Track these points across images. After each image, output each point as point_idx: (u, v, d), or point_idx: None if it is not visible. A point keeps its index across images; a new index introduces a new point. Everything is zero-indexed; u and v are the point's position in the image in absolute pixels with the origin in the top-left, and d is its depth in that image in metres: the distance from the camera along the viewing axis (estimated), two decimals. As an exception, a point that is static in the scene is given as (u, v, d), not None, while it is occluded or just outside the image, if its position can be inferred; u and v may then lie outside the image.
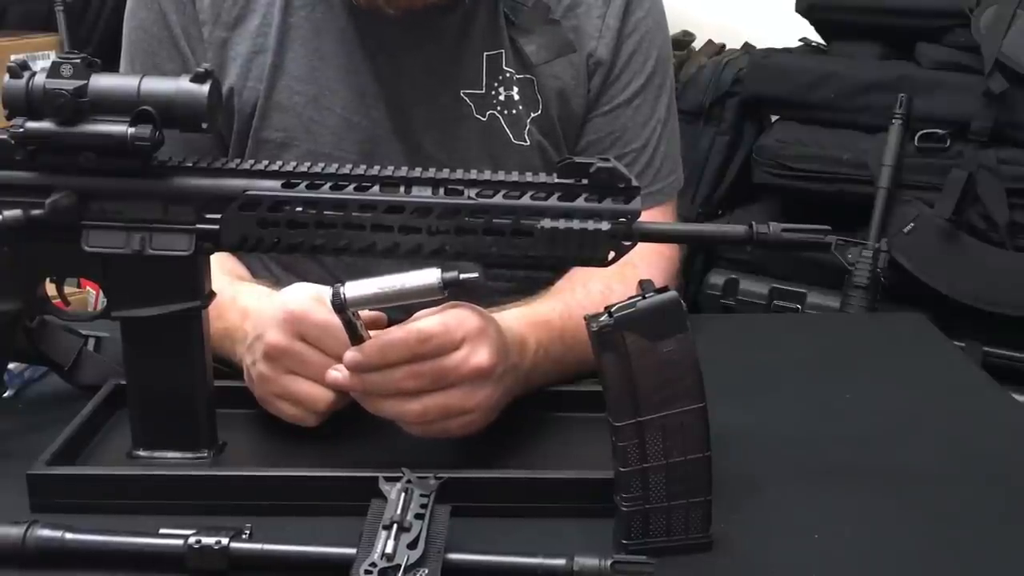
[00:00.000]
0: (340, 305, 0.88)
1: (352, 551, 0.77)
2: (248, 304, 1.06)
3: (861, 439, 1.05)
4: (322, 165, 0.92)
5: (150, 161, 0.91)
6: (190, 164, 0.92)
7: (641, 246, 0.92)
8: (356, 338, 0.90)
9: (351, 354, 0.90)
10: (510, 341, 0.98)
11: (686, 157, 1.41)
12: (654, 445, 0.83)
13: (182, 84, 0.89)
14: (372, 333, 0.91)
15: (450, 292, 0.89)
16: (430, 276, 0.88)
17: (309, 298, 0.95)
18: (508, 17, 1.21)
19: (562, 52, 1.21)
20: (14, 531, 0.81)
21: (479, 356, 0.92)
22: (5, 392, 1.05)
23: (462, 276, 0.88)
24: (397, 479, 0.82)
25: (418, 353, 0.90)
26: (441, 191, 0.90)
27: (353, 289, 0.88)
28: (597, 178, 0.90)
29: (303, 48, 1.20)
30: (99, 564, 0.81)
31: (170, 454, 0.95)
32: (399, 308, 0.94)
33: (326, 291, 0.96)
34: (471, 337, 0.92)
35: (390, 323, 0.95)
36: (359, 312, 0.90)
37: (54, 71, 0.88)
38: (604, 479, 0.86)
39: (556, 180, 0.91)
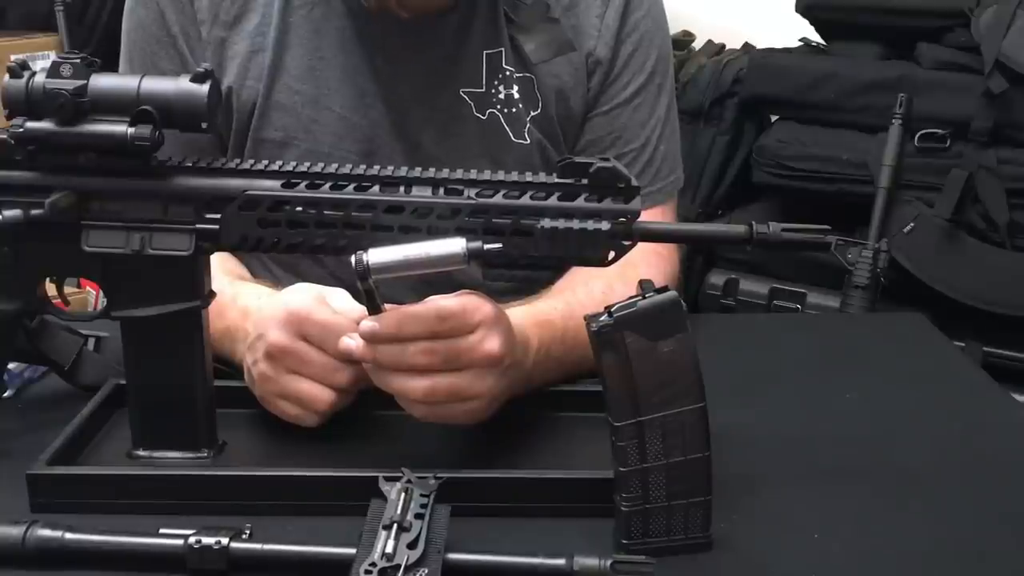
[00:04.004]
0: (363, 272, 0.87)
1: (352, 551, 0.77)
2: (249, 303, 1.06)
3: (861, 439, 1.05)
4: (322, 165, 0.92)
5: (150, 161, 0.91)
6: (190, 164, 0.92)
7: (642, 246, 0.92)
8: (375, 309, 0.89)
9: (367, 323, 0.90)
10: (517, 338, 0.98)
11: (686, 157, 1.41)
12: (654, 445, 0.83)
13: (182, 84, 0.89)
14: (388, 306, 0.91)
15: (472, 263, 0.88)
16: (455, 245, 0.87)
17: (311, 298, 0.95)
18: (508, 15, 1.21)
19: (561, 51, 1.21)
20: (14, 531, 0.81)
21: (491, 343, 0.92)
22: (5, 392, 1.05)
23: (486, 247, 0.88)
24: (397, 479, 0.82)
25: (434, 330, 0.90)
26: (441, 191, 0.91)
27: (376, 256, 0.86)
28: (597, 178, 0.90)
29: (302, 48, 1.20)
30: (99, 564, 0.81)
31: (170, 454, 0.95)
32: (411, 291, 0.93)
33: (328, 291, 0.97)
34: (486, 323, 0.92)
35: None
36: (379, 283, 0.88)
37: (54, 71, 0.88)
38: (604, 479, 0.85)
39: (556, 180, 0.91)
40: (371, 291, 0.88)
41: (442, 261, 0.87)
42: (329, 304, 0.95)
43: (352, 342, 0.92)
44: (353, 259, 0.87)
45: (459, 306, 0.91)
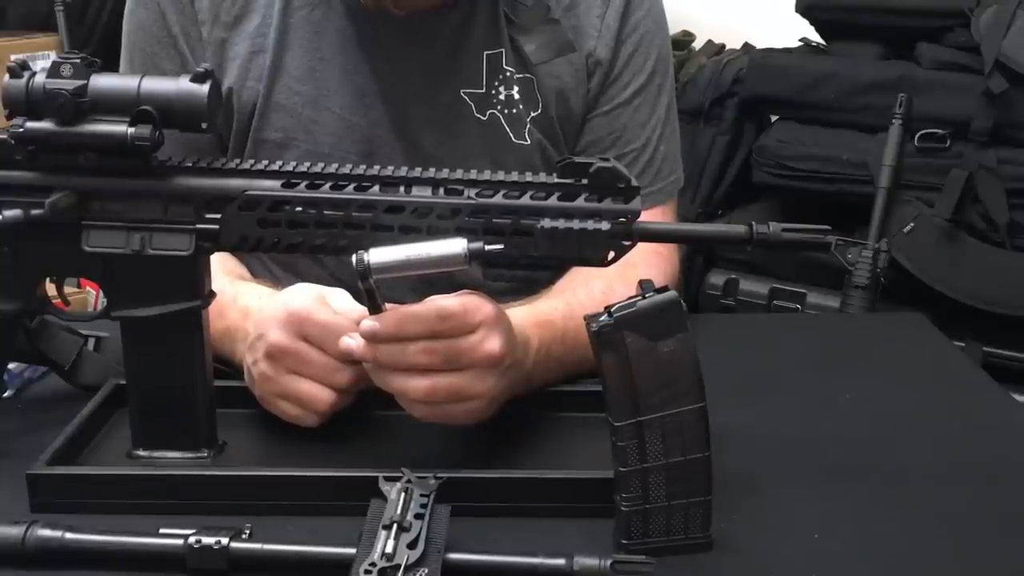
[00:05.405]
0: (364, 272, 0.87)
1: (352, 551, 0.77)
2: (249, 304, 1.06)
3: (861, 439, 1.05)
4: (322, 165, 0.92)
5: (150, 161, 0.91)
6: (190, 164, 0.92)
7: (642, 246, 0.92)
8: (375, 309, 0.89)
9: (368, 323, 0.90)
10: (518, 338, 0.98)
11: (686, 157, 1.41)
12: (654, 445, 0.83)
13: (182, 84, 0.89)
14: (388, 306, 0.91)
15: (473, 263, 0.88)
16: (456, 245, 0.87)
17: (311, 298, 0.95)
18: (508, 16, 1.21)
19: (562, 52, 1.21)
20: (14, 531, 0.81)
21: (492, 343, 0.92)
22: (5, 392, 1.05)
23: (487, 248, 0.88)
24: (397, 479, 0.82)
25: (435, 330, 0.90)
26: (441, 191, 0.90)
27: (377, 255, 0.86)
28: (597, 178, 0.90)
29: (302, 48, 1.20)
30: (99, 564, 0.81)
31: (170, 454, 0.95)
32: (412, 291, 0.93)
33: (328, 291, 0.97)
34: (487, 323, 0.92)
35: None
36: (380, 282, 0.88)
37: (54, 71, 0.88)
38: (604, 479, 0.86)
39: (556, 180, 0.91)
40: (372, 291, 0.88)
41: (443, 261, 0.87)
42: (329, 304, 0.95)
43: (353, 342, 0.92)
44: (354, 259, 0.87)
45: (460, 306, 0.91)
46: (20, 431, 1.04)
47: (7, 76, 0.89)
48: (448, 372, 0.91)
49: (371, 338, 0.90)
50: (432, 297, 0.91)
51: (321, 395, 0.95)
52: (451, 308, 0.90)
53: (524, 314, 1.04)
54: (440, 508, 0.81)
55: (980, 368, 1.45)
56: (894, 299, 2.20)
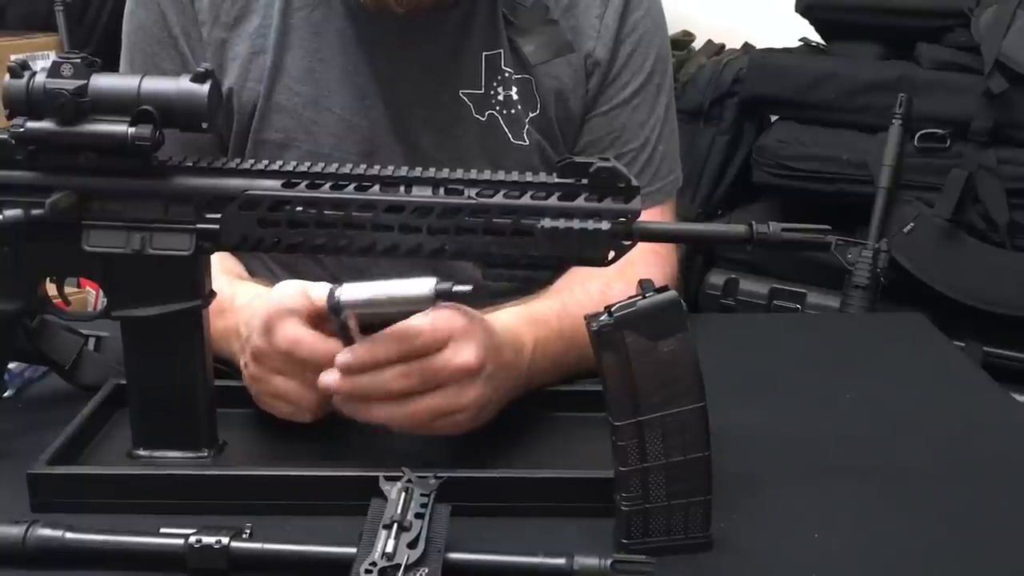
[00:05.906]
0: (335, 307, 0.89)
1: (352, 551, 0.77)
2: (244, 303, 1.06)
3: (861, 439, 1.05)
4: (322, 165, 0.92)
5: (150, 161, 0.91)
6: (190, 164, 0.92)
7: (640, 245, 0.92)
8: (349, 341, 0.91)
9: (342, 356, 0.90)
10: (504, 340, 0.98)
11: (686, 157, 1.41)
12: (654, 445, 0.83)
13: (182, 84, 0.89)
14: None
15: (442, 302, 0.90)
16: (424, 286, 0.89)
17: (291, 298, 0.95)
18: (507, 17, 1.21)
19: (560, 52, 1.21)
20: (14, 531, 0.81)
21: (464, 354, 0.91)
22: (5, 392, 1.05)
23: (455, 288, 0.88)
24: (397, 479, 0.82)
25: (405, 351, 0.90)
26: (441, 191, 0.90)
27: (348, 292, 0.89)
28: (597, 178, 0.90)
29: (302, 49, 1.20)
30: (99, 564, 0.81)
31: (170, 454, 0.95)
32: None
33: (314, 287, 0.97)
34: (456, 336, 0.92)
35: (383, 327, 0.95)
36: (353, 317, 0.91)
37: (54, 71, 0.88)
38: (604, 479, 0.86)
39: (556, 180, 0.91)
40: (344, 325, 0.90)
41: (410, 301, 0.89)
42: (310, 296, 0.95)
43: (331, 378, 0.91)
44: (326, 294, 0.89)
45: (428, 323, 0.91)
46: (20, 431, 1.04)
47: (7, 76, 0.89)
48: (427, 393, 0.91)
49: (346, 370, 0.90)
50: (402, 321, 0.92)
51: (307, 394, 0.95)
52: (418, 327, 0.90)
53: (517, 314, 1.04)
54: (440, 508, 0.81)
55: (980, 368, 1.45)
56: (894, 299, 2.20)
